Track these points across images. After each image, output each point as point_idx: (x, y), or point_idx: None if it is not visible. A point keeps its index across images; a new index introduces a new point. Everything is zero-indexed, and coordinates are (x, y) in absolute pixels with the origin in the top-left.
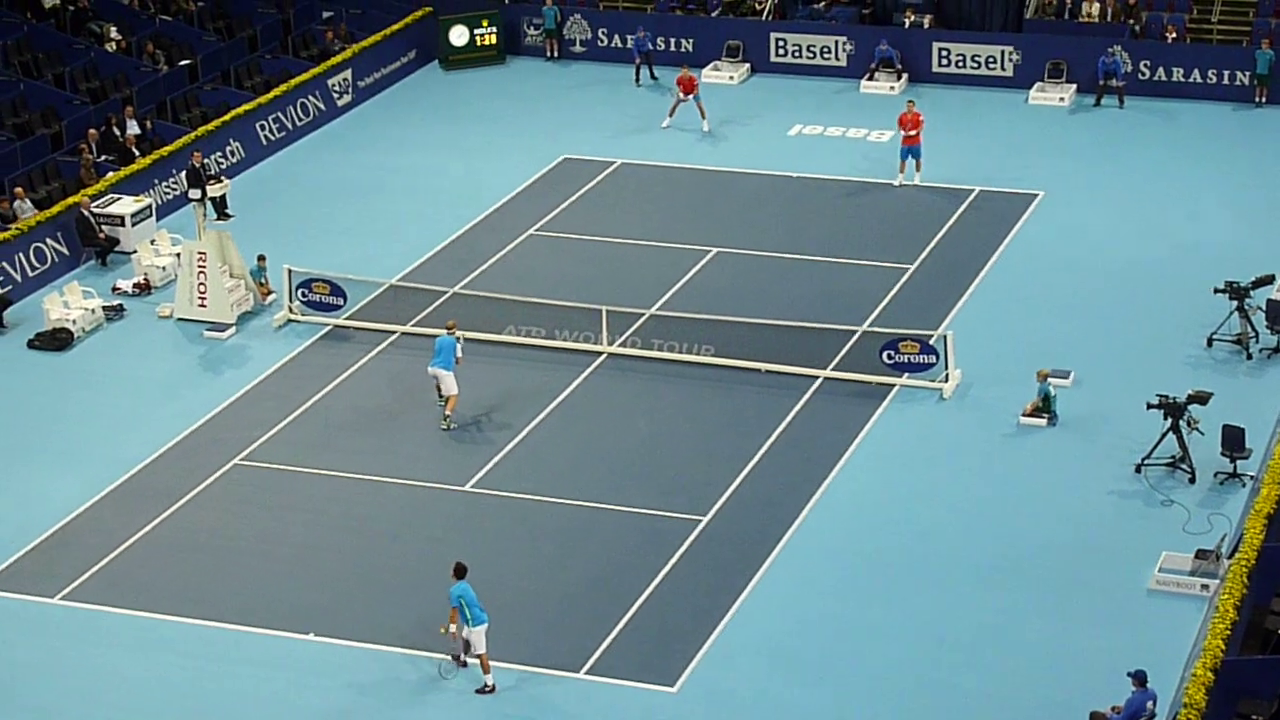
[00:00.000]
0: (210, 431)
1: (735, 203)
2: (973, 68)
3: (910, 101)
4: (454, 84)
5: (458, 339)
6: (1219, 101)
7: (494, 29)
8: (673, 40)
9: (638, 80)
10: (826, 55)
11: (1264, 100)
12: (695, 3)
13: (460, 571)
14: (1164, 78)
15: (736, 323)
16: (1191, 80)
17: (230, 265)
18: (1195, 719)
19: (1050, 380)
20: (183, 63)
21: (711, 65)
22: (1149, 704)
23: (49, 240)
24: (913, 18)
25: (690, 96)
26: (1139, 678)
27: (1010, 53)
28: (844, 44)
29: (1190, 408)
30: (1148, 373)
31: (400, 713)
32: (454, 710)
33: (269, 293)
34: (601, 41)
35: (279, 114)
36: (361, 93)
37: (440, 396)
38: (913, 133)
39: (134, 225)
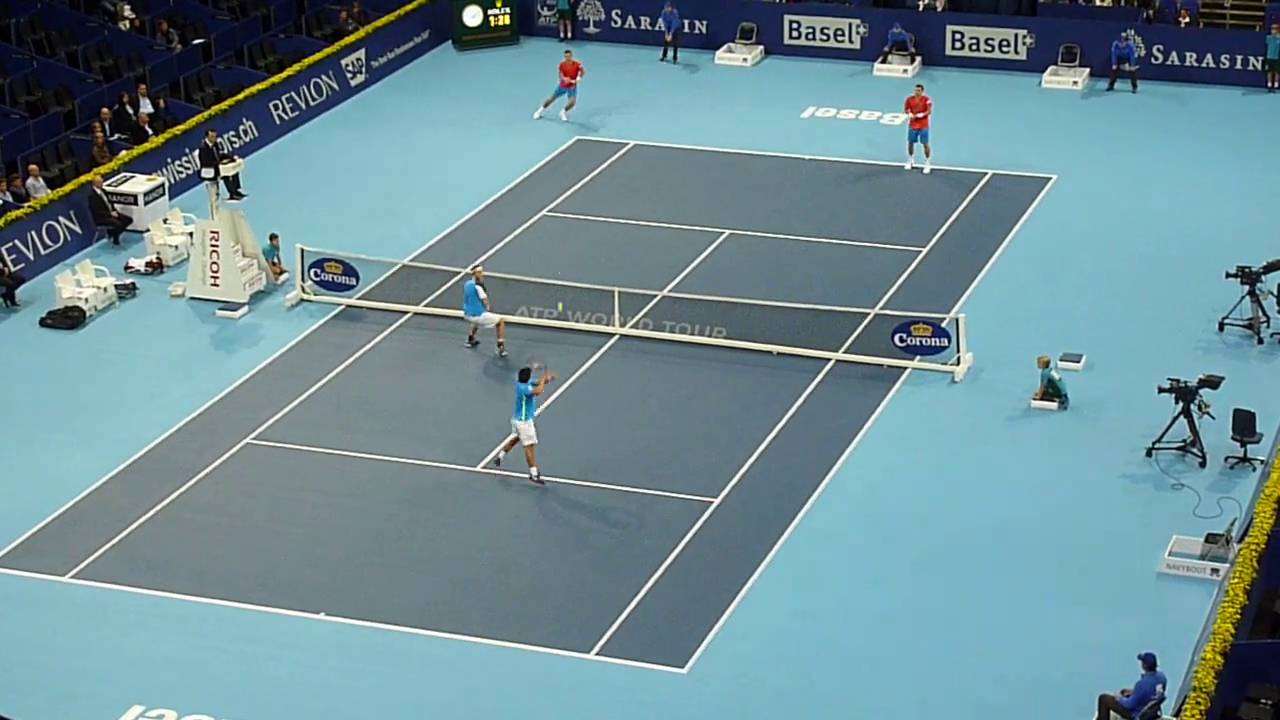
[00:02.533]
0: (222, 410)
1: (748, 185)
2: (986, 51)
3: (919, 85)
4: (467, 64)
5: (479, 282)
6: (1231, 86)
7: (508, 9)
8: (687, 22)
9: (664, 56)
10: (840, 38)
11: (1276, 85)
12: None
13: (521, 375)
14: (1177, 62)
15: (748, 305)
16: (1204, 65)
17: (243, 244)
18: (1204, 702)
19: (1055, 365)
20: (196, 41)
21: (725, 47)
22: (1158, 687)
23: (62, 219)
24: (926, 0)
25: (568, 87)
26: (1148, 661)
27: (1024, 36)
28: (857, 26)
29: (1201, 392)
30: (1159, 357)
31: (411, 692)
32: (463, 691)
33: (281, 272)
34: (615, 23)
35: (292, 93)
36: (375, 73)
37: (470, 341)
38: (920, 115)
39: (147, 204)
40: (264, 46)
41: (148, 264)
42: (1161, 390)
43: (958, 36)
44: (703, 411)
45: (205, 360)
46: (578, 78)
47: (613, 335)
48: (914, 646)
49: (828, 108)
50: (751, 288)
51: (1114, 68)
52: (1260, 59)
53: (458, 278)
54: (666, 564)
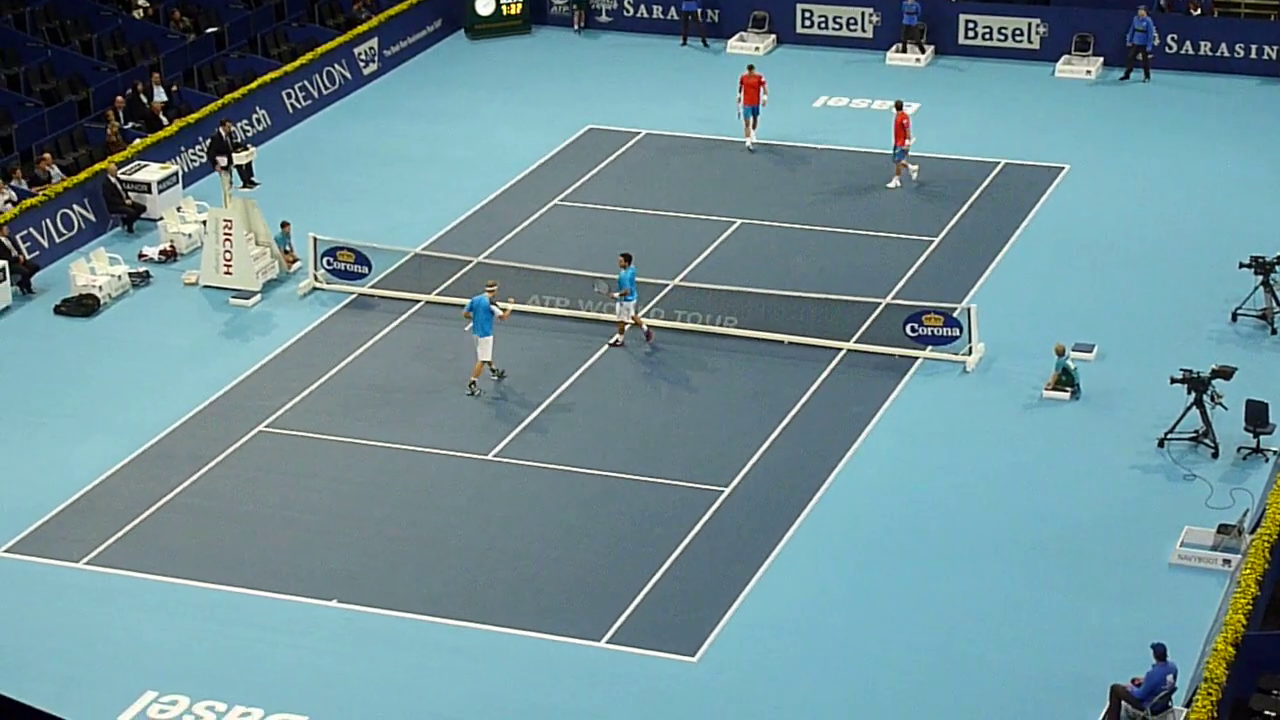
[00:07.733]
0: (235, 398)
1: (760, 174)
2: (1000, 40)
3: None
4: (480, 53)
5: (491, 300)
6: (1245, 75)
7: None
8: (699, 10)
9: (684, 40)
10: (853, 27)
11: None
12: None
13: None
14: (1191, 51)
15: (760, 294)
16: (1218, 54)
17: (256, 233)
18: (1216, 693)
19: (1070, 354)
20: (210, 30)
21: (737, 36)
22: (1169, 677)
23: (76, 207)
24: None
25: (756, 105)
26: (1160, 651)
27: (1037, 25)
28: (870, 15)
29: (1214, 382)
30: (1171, 347)
31: (422, 679)
32: (474, 679)
33: (294, 260)
34: (628, 12)
35: (305, 82)
36: (388, 61)
37: (471, 388)
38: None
39: (160, 192)
40: (277, 35)
41: (161, 252)
42: (1174, 380)
43: (971, 25)
44: (714, 401)
45: (218, 348)
46: (761, 96)
47: (625, 324)
48: (924, 635)
49: (840, 97)
50: (763, 277)
51: (1129, 46)
52: (1275, 48)
53: (469, 267)
54: (677, 553)
